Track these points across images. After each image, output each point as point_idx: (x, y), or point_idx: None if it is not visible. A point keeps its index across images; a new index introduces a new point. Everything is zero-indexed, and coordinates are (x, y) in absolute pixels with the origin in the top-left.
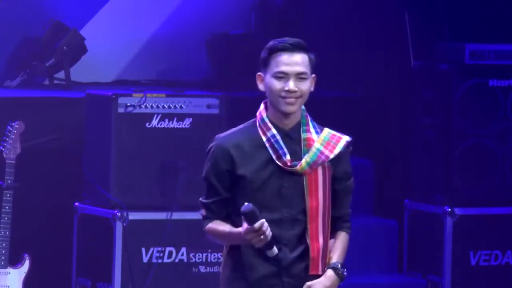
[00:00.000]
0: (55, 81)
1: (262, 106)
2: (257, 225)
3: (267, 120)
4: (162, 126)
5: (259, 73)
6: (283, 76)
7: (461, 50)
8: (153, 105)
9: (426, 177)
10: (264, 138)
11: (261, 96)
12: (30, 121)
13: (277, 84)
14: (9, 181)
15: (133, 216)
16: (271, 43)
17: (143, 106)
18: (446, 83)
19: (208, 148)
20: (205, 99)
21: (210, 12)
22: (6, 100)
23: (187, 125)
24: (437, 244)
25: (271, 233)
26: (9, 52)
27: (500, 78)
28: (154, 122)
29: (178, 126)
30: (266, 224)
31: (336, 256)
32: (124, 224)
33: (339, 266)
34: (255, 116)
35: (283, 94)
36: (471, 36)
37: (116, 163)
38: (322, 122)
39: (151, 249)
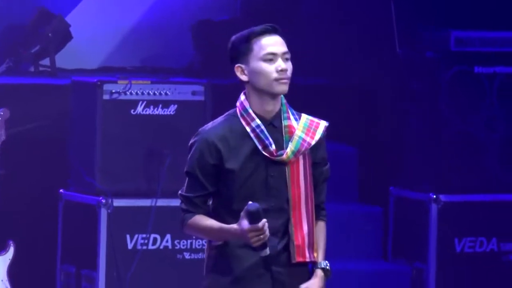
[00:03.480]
0: (41, 68)
1: (242, 96)
2: (261, 224)
3: (250, 111)
4: (147, 113)
5: (237, 65)
6: (271, 57)
7: (446, 37)
8: (138, 91)
9: (411, 164)
10: (248, 129)
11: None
12: (15, 108)
13: (268, 67)
14: None
15: (117, 203)
16: (242, 33)
17: (128, 93)
18: (432, 70)
19: (192, 141)
20: (190, 86)
21: None
22: None
23: (172, 111)
24: (422, 231)
25: (268, 234)
26: None
27: (486, 65)
28: (139, 109)
29: (163, 113)
30: (266, 223)
31: (321, 255)
32: (109, 211)
33: (327, 265)
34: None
35: (276, 75)
36: (457, 23)
37: (101, 150)
38: (308, 110)
39: (136, 235)
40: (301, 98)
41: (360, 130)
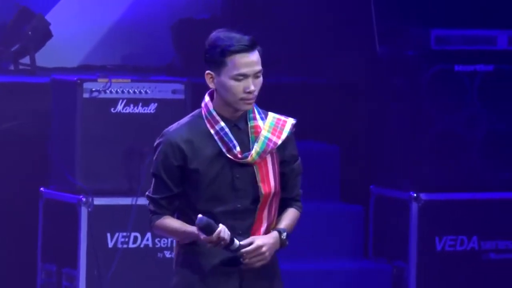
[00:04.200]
0: (20, 66)
1: (207, 97)
2: (214, 237)
3: (214, 113)
4: (127, 111)
5: (208, 71)
6: (242, 78)
7: (426, 36)
8: (118, 90)
9: (392, 163)
10: (212, 131)
11: None
12: None
13: (237, 86)
14: None
15: (98, 201)
16: (220, 41)
17: (108, 91)
18: (412, 68)
19: (157, 143)
20: (170, 84)
21: None
22: None
23: (152, 110)
24: (402, 230)
25: (229, 234)
26: None
27: (466, 63)
28: (119, 107)
29: (143, 111)
30: (223, 229)
31: (283, 224)
32: (89, 209)
33: (284, 232)
34: None
35: (243, 95)
36: (437, 22)
37: (81, 148)
38: (288, 108)
39: (116, 234)
40: (281, 97)
41: (341, 129)
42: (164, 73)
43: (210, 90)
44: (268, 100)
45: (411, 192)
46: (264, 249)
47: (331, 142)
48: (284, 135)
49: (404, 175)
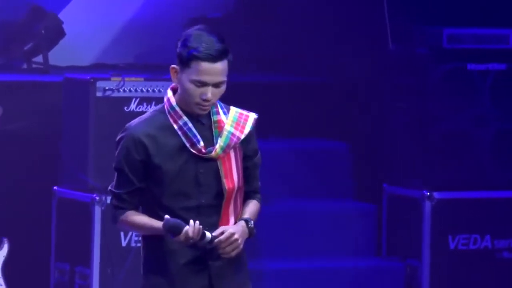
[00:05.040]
0: (33, 65)
1: (169, 92)
2: (182, 238)
3: (177, 108)
4: (141, 110)
5: (173, 65)
6: (201, 85)
7: (439, 34)
8: (132, 89)
9: (405, 161)
10: (175, 126)
11: (238, 82)
12: (7, 105)
13: (194, 91)
14: None
15: None
16: (191, 41)
17: (121, 90)
18: (424, 67)
19: (119, 137)
20: None
21: None
22: None
23: None
24: (415, 228)
25: (200, 228)
26: None
27: (478, 62)
28: (133, 106)
29: None
30: (191, 227)
31: (247, 214)
32: (103, 208)
33: (251, 221)
34: (230, 99)
35: (198, 100)
36: (449, 20)
37: (94, 147)
38: (300, 106)
39: (130, 233)
40: (293, 95)
41: (354, 127)
42: None
43: (172, 85)
44: (281, 99)
45: (424, 191)
46: (236, 235)
47: (343, 141)
48: (247, 130)
49: (417, 174)
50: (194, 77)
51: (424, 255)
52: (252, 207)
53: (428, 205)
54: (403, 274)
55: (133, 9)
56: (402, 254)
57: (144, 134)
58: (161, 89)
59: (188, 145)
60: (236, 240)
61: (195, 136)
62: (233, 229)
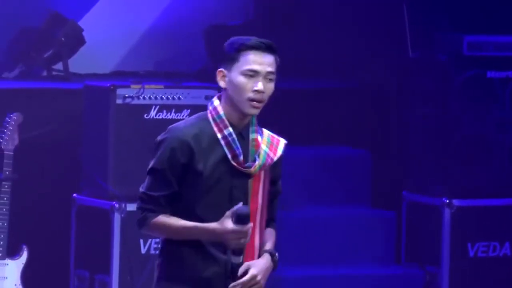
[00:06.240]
0: (54, 73)
1: (216, 101)
2: (246, 228)
3: (224, 118)
4: (160, 117)
5: (220, 69)
6: (252, 74)
7: (459, 41)
8: (151, 96)
9: (424, 169)
10: (219, 135)
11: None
12: (28, 113)
13: (246, 84)
14: (7, 173)
15: (131, 207)
16: (238, 39)
17: (141, 98)
18: (444, 74)
19: (161, 138)
20: (203, 90)
21: (208, 3)
22: (5, 91)
23: (185, 116)
24: (435, 235)
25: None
26: (7, 43)
27: (499, 70)
28: (152, 114)
29: (176, 118)
30: (251, 229)
31: (269, 244)
32: (122, 215)
33: (276, 253)
34: None
35: (251, 94)
36: (470, 27)
37: (114, 154)
38: (320, 113)
39: (149, 240)
40: (312, 102)
41: (373, 134)
42: (197, 79)
43: (218, 94)
44: (300, 105)
45: (443, 198)
46: (259, 278)
47: (362, 148)
48: (279, 153)
49: (436, 181)
50: (245, 67)
51: (443, 262)
52: (273, 238)
53: (447, 213)
54: (422, 281)
55: (153, 17)
56: (421, 261)
57: (191, 136)
58: (180, 96)
59: (229, 156)
60: (258, 282)
61: (238, 148)
62: (256, 269)
